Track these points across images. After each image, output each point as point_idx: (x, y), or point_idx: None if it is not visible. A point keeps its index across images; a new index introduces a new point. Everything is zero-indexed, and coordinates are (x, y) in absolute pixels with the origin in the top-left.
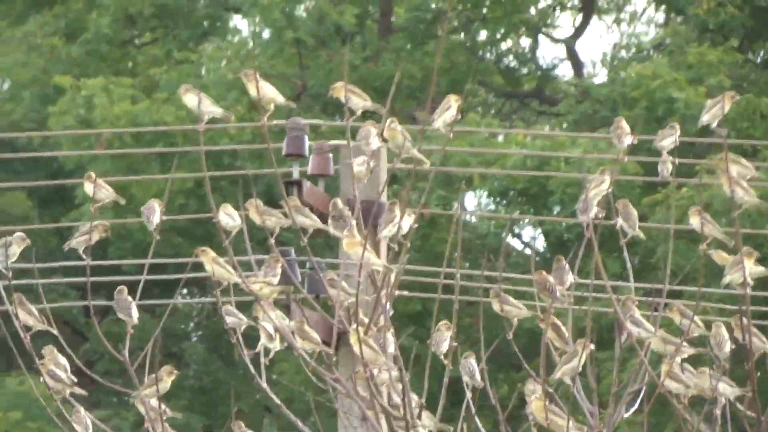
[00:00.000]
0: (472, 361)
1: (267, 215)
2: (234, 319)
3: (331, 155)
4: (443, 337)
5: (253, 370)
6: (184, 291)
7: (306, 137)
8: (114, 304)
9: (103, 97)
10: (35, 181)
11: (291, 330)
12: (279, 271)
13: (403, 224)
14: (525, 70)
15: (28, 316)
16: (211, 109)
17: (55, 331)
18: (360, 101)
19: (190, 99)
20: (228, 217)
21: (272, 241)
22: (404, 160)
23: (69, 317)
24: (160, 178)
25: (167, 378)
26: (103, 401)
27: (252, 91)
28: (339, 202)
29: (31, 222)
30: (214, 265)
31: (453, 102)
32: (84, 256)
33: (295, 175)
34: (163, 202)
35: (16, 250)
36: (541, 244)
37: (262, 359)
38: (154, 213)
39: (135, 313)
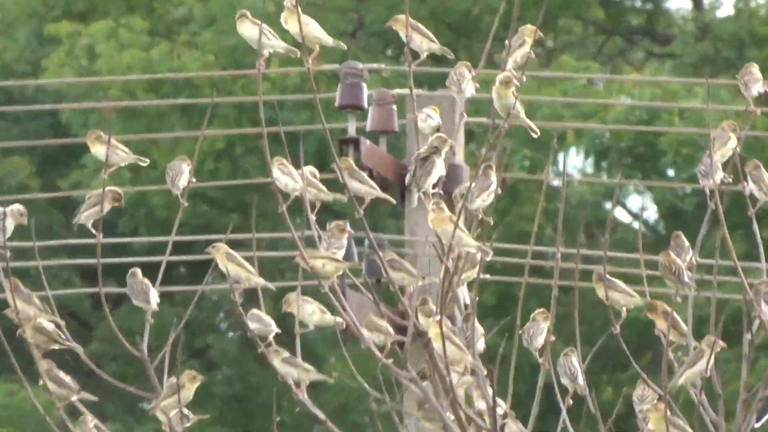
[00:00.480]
0: (574, 360)
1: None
2: (259, 325)
3: (395, 107)
4: (539, 329)
5: (290, 381)
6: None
7: (364, 85)
8: (127, 289)
9: (108, 45)
10: (34, 137)
11: (353, 321)
12: (345, 242)
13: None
14: (632, 2)
15: (28, 306)
16: (273, 42)
17: (61, 322)
18: (425, 41)
19: (248, 29)
20: (287, 177)
21: (312, 217)
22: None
23: (76, 307)
24: (190, 136)
25: (190, 385)
26: (113, 413)
27: (292, 27)
28: (441, 137)
29: (31, 191)
30: (229, 263)
31: (527, 36)
32: (94, 232)
33: (351, 132)
34: (191, 162)
35: (10, 223)
36: (651, 215)
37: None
38: (182, 174)
39: (155, 298)
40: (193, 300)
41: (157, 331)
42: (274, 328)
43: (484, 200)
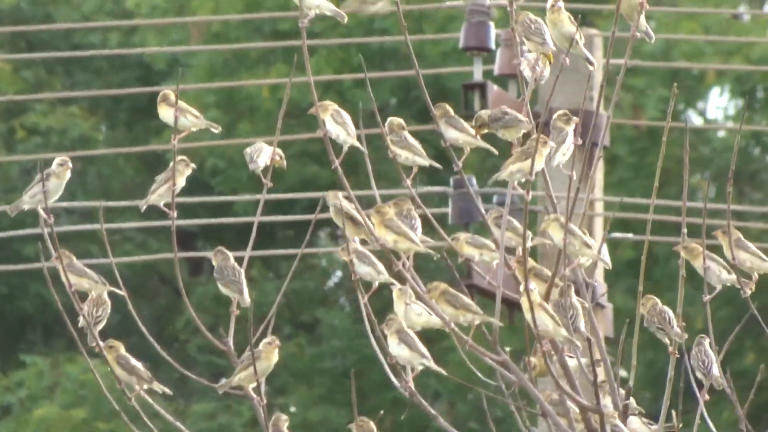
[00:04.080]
0: (707, 349)
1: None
2: (369, 269)
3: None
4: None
5: (387, 370)
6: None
7: (492, 24)
8: (216, 272)
9: None
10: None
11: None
12: (417, 223)
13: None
14: None
15: (81, 279)
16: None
17: (122, 293)
18: None
19: None
20: (339, 127)
21: (409, 182)
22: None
23: (169, 273)
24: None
25: (268, 354)
26: (208, 391)
27: None
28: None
29: (93, 146)
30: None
31: None
32: (167, 211)
33: (477, 76)
34: (276, 142)
35: (56, 184)
36: None
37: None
38: (262, 151)
39: (246, 291)
40: (292, 267)
41: (255, 300)
42: (386, 277)
43: (564, 154)
